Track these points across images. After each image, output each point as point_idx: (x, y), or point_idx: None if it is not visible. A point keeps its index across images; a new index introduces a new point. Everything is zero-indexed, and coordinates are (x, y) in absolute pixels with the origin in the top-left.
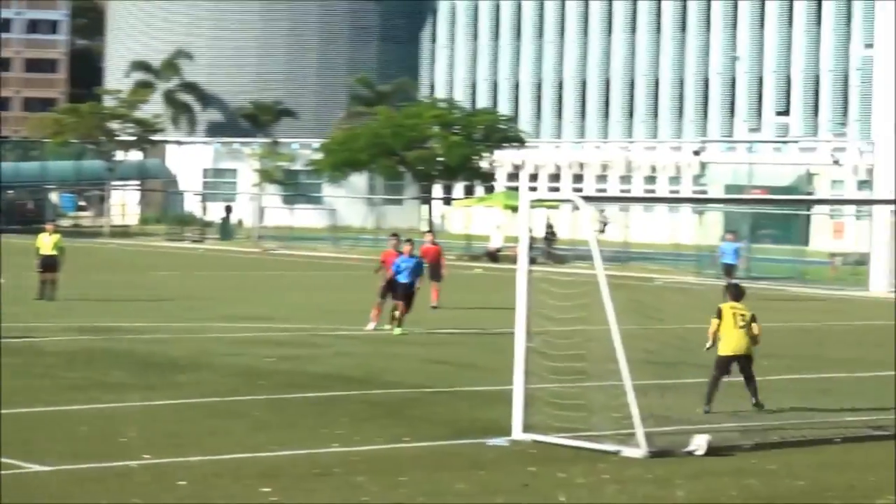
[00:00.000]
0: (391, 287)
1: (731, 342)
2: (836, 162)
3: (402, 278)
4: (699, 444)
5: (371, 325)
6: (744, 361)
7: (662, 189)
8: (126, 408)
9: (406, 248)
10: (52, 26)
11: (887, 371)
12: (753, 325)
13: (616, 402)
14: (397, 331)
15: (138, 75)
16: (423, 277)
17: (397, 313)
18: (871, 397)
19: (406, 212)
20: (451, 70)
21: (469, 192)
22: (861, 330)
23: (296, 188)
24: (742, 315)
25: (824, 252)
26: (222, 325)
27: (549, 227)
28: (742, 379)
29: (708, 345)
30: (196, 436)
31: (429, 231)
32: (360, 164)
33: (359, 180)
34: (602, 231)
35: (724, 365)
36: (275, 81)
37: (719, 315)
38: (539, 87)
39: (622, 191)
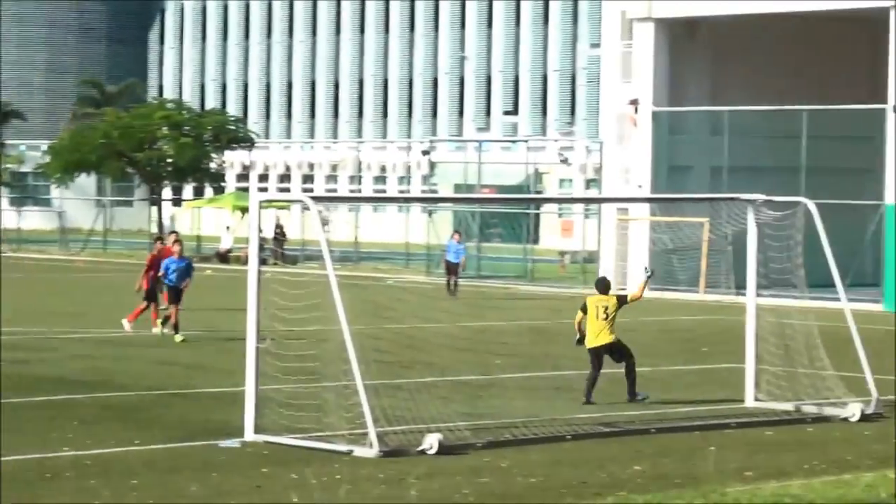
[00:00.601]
0: (153, 290)
1: (592, 334)
2: (564, 161)
3: (173, 281)
4: (431, 443)
5: (128, 326)
6: (609, 351)
7: (392, 189)
8: None
9: (176, 248)
10: None
11: (616, 368)
12: (633, 292)
13: (348, 402)
14: (178, 337)
15: None
16: (190, 279)
17: (172, 318)
18: (600, 394)
19: (136, 213)
20: (179, 71)
21: (199, 193)
22: None
23: (24, 190)
24: (605, 307)
25: (553, 250)
26: None
27: (279, 227)
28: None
29: (577, 337)
30: None
31: (173, 231)
32: (88, 165)
33: (87, 182)
34: (325, 230)
35: (594, 357)
36: (2, 82)
37: (584, 309)
38: (268, 87)
39: (352, 191)
